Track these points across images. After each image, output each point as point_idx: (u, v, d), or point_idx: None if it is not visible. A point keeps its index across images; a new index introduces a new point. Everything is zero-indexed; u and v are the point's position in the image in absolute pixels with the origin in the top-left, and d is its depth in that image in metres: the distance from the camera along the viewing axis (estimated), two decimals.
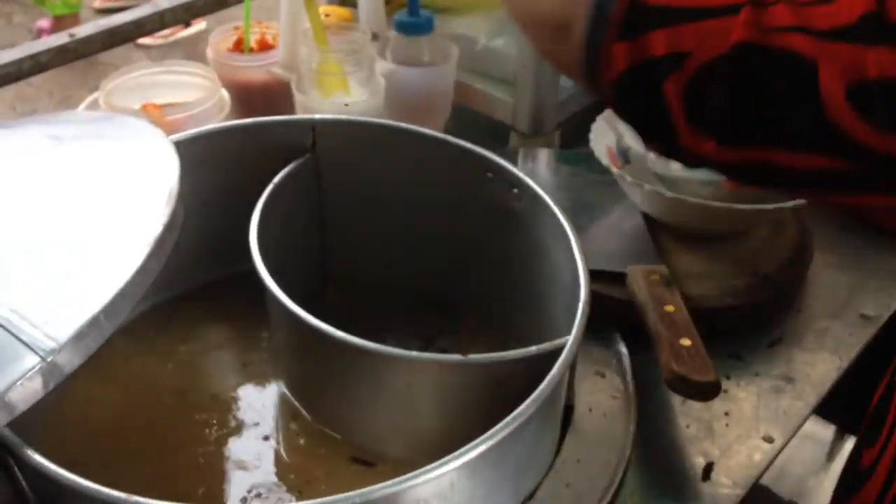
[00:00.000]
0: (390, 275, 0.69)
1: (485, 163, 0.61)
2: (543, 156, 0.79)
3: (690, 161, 0.42)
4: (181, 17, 0.79)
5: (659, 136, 0.42)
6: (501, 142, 0.85)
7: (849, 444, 0.98)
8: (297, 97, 0.73)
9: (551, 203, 0.56)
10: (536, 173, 0.77)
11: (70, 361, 0.40)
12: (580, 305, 0.49)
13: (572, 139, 0.83)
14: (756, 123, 0.38)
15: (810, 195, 0.41)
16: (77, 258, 0.44)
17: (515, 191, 0.59)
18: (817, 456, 1.01)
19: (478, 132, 0.88)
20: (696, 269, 0.64)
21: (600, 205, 0.71)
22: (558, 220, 0.55)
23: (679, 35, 0.38)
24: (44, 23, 2.64)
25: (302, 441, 0.55)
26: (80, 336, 0.40)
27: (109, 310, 0.42)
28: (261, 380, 0.59)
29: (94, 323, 0.41)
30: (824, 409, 0.60)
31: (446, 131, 0.87)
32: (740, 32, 0.36)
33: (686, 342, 0.53)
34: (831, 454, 1.01)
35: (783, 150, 0.37)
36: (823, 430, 0.99)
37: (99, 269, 0.44)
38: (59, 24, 2.57)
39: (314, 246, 0.69)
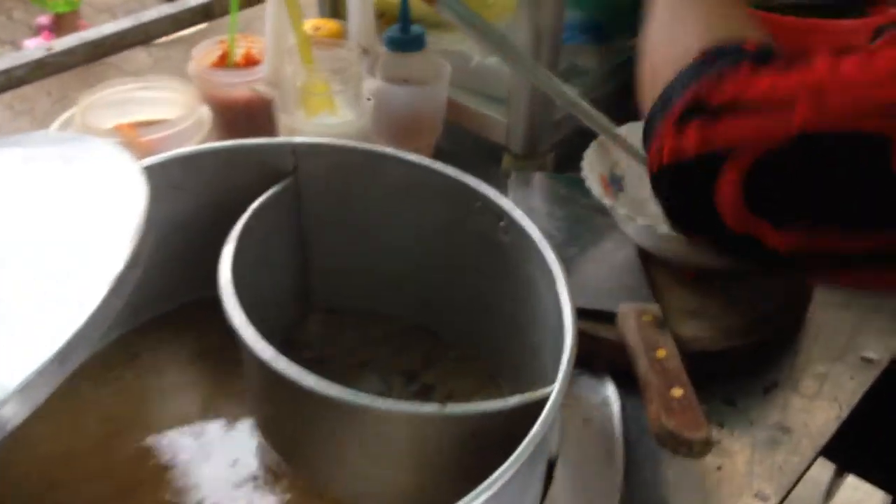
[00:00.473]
0: (375, 303, 0.67)
1: (472, 192, 0.59)
2: (536, 180, 0.77)
3: (735, 246, 0.42)
4: (166, 29, 0.77)
5: (699, 224, 0.43)
6: (495, 162, 0.83)
7: (848, 481, 0.96)
8: (281, 116, 0.71)
9: (538, 241, 0.53)
10: (528, 199, 0.75)
11: (16, 414, 0.38)
12: (564, 358, 0.46)
13: (568, 161, 0.80)
14: (825, 205, 0.38)
15: (879, 280, 0.42)
16: (28, 298, 0.42)
17: (503, 223, 0.57)
18: (814, 495, 0.99)
19: (470, 151, 0.85)
20: (690, 307, 0.61)
21: (593, 235, 0.69)
22: (545, 259, 0.52)
23: (736, 128, 0.40)
24: (44, 19, 2.62)
25: (279, 488, 0.52)
26: (27, 387, 0.38)
27: (62, 356, 0.39)
28: (235, 419, 0.56)
29: (43, 372, 0.38)
30: (823, 448, 0.57)
31: (438, 150, 0.85)
32: (802, 121, 0.38)
33: (677, 392, 0.50)
34: (829, 493, 0.98)
35: (852, 231, 0.38)
36: (822, 469, 0.96)
37: (52, 311, 0.41)
38: (60, 20, 2.54)
39: (296, 272, 0.66)
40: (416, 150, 0.80)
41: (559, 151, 0.82)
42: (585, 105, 0.68)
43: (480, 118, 0.82)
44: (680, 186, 0.43)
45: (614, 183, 0.69)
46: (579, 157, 0.69)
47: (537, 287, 0.54)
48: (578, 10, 0.87)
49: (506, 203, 0.57)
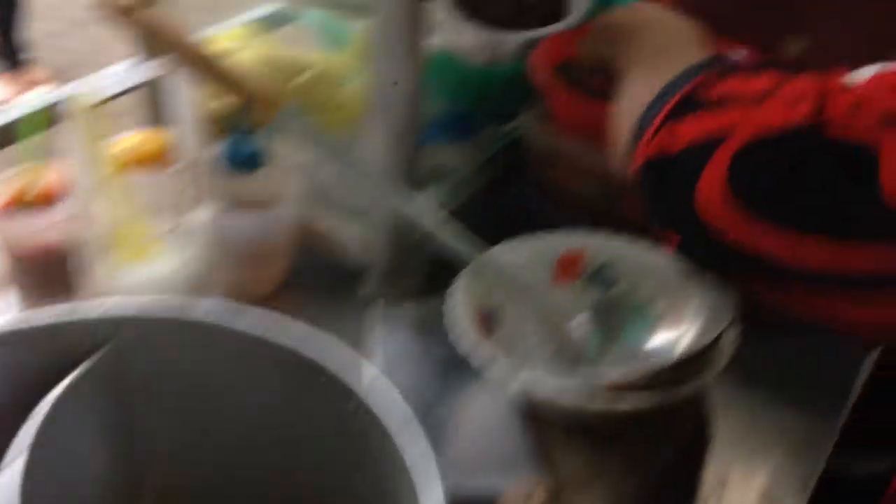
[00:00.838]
0: (215, 485, 0.56)
1: (314, 367, 0.49)
2: (405, 311, 0.67)
3: (706, 244, 0.41)
4: None
5: (676, 218, 0.43)
6: (355, 286, 0.72)
7: None
8: (92, 268, 0.59)
9: (395, 433, 0.44)
10: (395, 337, 0.65)
11: None
12: None
13: (443, 277, 0.70)
14: (801, 205, 0.37)
15: (841, 299, 0.39)
16: None
17: (351, 407, 0.47)
18: None
19: (327, 275, 0.75)
20: (584, 471, 0.53)
21: (470, 380, 0.60)
22: (405, 464, 0.43)
23: (733, 115, 0.39)
24: None
25: None
26: None
27: None
28: None
29: None
30: None
31: (292, 272, 0.74)
32: (801, 116, 0.37)
33: None
34: None
35: (832, 237, 0.37)
36: None
37: None
38: None
39: (115, 467, 0.54)
40: (262, 284, 0.70)
41: (432, 266, 0.73)
42: (444, 231, 0.60)
43: (336, 237, 0.72)
44: (665, 178, 0.42)
45: (489, 316, 0.60)
46: (456, 270, 0.61)
47: (401, 488, 0.45)
48: (438, 105, 0.79)
49: (358, 379, 0.48)
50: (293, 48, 0.77)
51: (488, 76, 0.79)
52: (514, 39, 0.78)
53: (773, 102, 0.39)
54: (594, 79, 0.72)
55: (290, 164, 0.70)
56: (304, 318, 0.71)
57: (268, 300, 0.70)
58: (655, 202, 0.44)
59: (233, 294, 0.69)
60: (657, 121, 0.42)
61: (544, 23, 0.78)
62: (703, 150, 0.40)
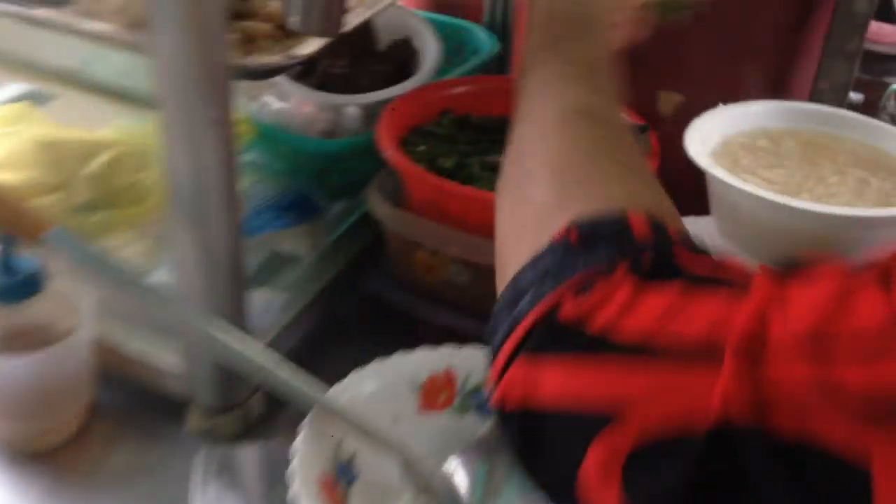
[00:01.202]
0: None
1: None
2: (242, 458, 0.54)
3: None
4: None
5: (554, 487, 0.31)
6: (179, 420, 0.58)
7: None
8: None
9: None
10: (228, 495, 0.52)
11: None
12: None
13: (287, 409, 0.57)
14: None
15: None
16: None
17: None
18: None
19: (145, 407, 0.60)
20: None
21: None
22: None
23: (612, 380, 0.27)
24: None
25: None
26: None
27: None
28: None
29: None
30: None
31: (98, 407, 0.60)
32: (724, 402, 0.24)
33: None
34: None
35: None
36: None
37: None
38: None
39: None
40: (56, 432, 0.56)
41: (272, 396, 0.59)
42: (275, 369, 0.48)
43: (150, 362, 0.58)
44: (532, 442, 0.30)
45: (342, 473, 0.48)
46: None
47: None
48: (270, 184, 0.66)
49: None
50: (80, 127, 0.62)
51: (328, 147, 0.67)
52: (354, 103, 0.66)
53: (682, 369, 0.26)
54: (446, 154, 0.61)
55: (76, 282, 0.55)
56: (113, 466, 0.57)
57: (68, 446, 0.56)
58: (527, 467, 0.32)
59: (18, 451, 0.55)
60: (508, 346, 0.30)
61: (390, 83, 0.66)
62: (581, 427, 0.27)
